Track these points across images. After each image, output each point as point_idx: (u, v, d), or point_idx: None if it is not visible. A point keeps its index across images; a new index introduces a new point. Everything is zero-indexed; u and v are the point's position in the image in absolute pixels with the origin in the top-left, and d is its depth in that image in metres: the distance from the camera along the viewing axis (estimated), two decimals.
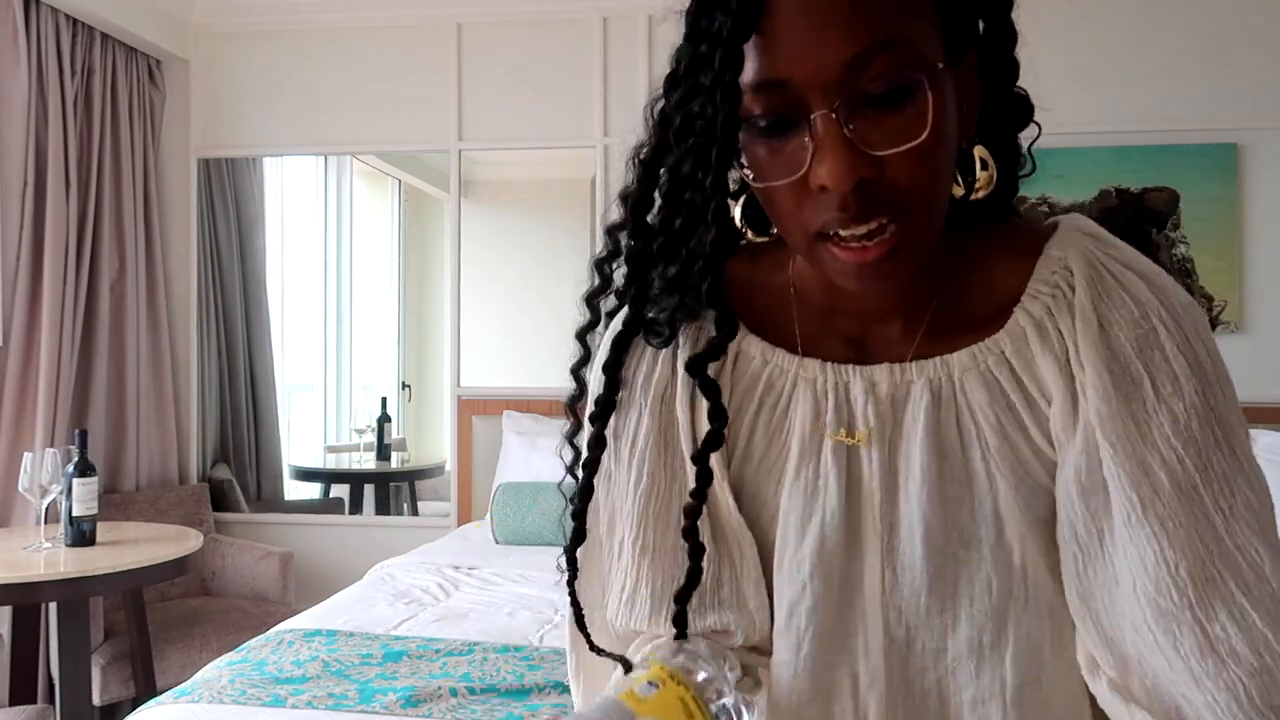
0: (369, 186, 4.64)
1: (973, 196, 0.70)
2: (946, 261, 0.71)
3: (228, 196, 4.07)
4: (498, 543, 3.36)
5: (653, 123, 0.72)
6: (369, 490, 4.27)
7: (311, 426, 4.58)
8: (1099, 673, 0.67)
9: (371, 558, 3.37)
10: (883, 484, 0.70)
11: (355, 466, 4.42)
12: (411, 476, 4.32)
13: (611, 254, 0.76)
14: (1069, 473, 0.66)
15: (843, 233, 0.62)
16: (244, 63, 3.94)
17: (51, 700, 3.11)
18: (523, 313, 4.03)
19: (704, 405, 0.73)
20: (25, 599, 2.67)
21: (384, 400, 4.31)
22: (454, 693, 1.96)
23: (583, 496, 0.75)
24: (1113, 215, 3.49)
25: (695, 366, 0.70)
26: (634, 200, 0.73)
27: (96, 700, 2.89)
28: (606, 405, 0.74)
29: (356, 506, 4.22)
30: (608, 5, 3.74)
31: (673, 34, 0.69)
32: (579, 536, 0.76)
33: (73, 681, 2.57)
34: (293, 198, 4.42)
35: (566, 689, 2.02)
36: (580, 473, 0.75)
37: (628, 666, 0.73)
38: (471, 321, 3.92)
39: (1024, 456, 0.68)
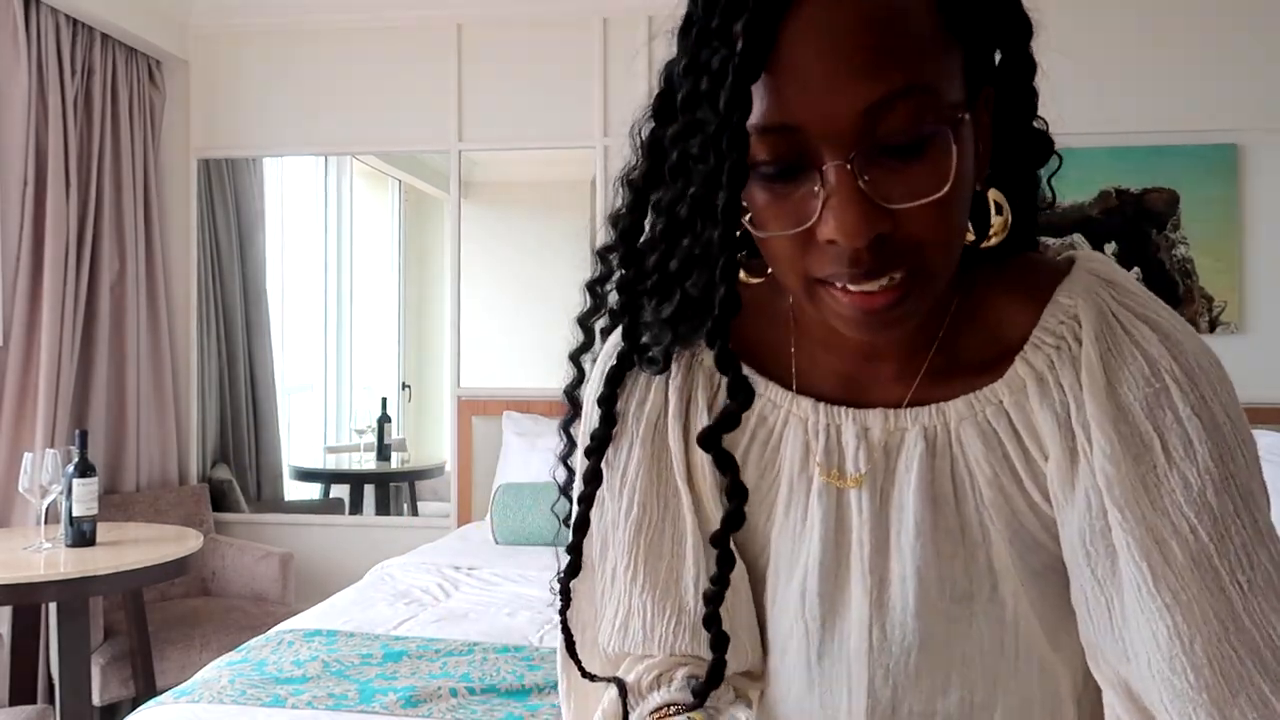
0: (369, 187, 4.64)
1: (985, 244, 0.66)
2: (951, 301, 0.67)
3: (228, 197, 4.07)
4: (498, 543, 3.36)
5: (642, 147, 0.69)
6: (369, 490, 4.27)
7: (311, 426, 4.58)
8: None
9: (371, 558, 3.37)
10: (873, 534, 0.67)
11: (355, 467, 4.42)
12: (411, 477, 4.32)
13: (603, 276, 0.74)
14: (1073, 537, 0.63)
15: (851, 286, 0.58)
16: (244, 63, 3.94)
17: (51, 700, 3.11)
18: (523, 313, 4.03)
19: (699, 431, 0.71)
20: (25, 599, 2.67)
21: (384, 400, 4.31)
22: (454, 693, 1.96)
23: (578, 531, 0.73)
24: (1113, 215, 3.49)
25: (710, 441, 0.64)
26: (624, 227, 0.70)
27: (96, 700, 2.89)
28: (602, 440, 0.72)
29: (356, 507, 4.22)
30: (608, 5, 3.74)
31: (665, 48, 0.65)
32: (574, 569, 0.73)
33: (73, 681, 2.57)
34: (293, 198, 4.42)
35: None
36: (576, 505, 0.73)
37: (622, 687, 0.72)
38: (471, 321, 3.92)
39: (1019, 509, 0.66)
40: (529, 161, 3.99)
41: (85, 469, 2.72)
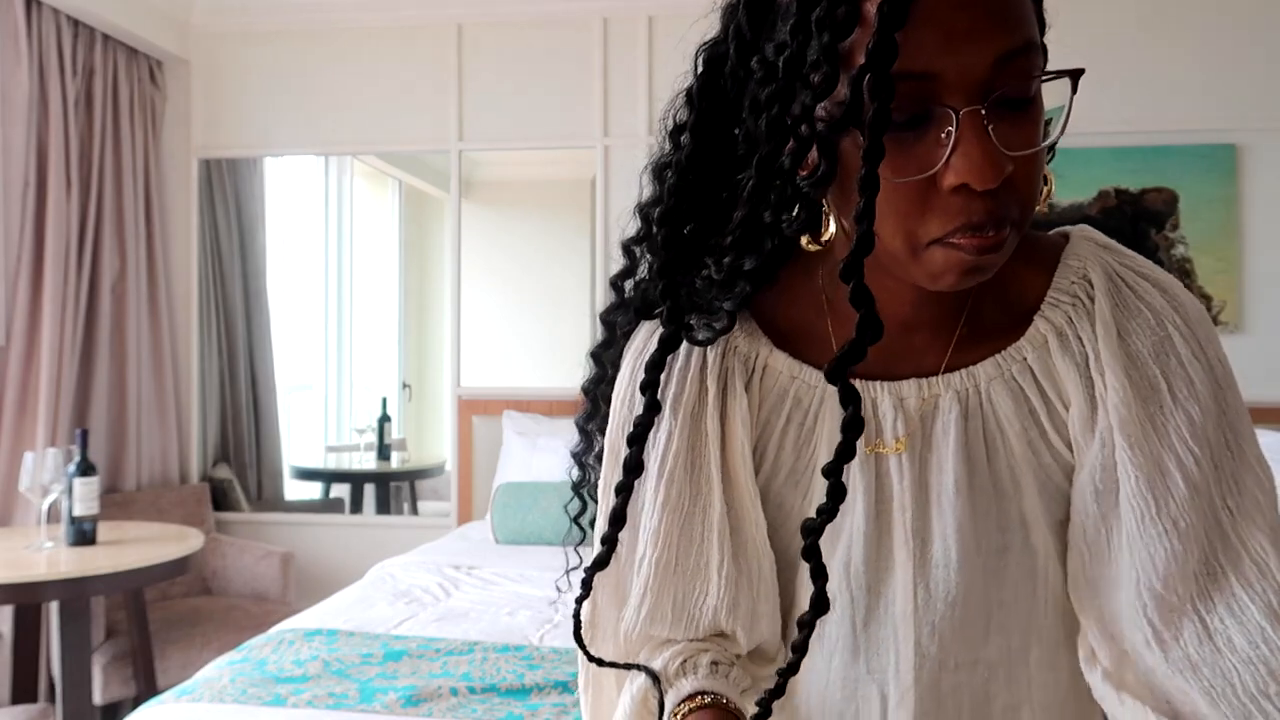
0: (369, 186, 4.64)
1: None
2: None
3: (228, 196, 4.08)
4: (498, 542, 3.36)
5: (681, 131, 0.71)
6: (369, 490, 4.27)
7: (311, 426, 4.58)
8: (1095, 664, 0.69)
9: (371, 557, 3.38)
10: (914, 498, 0.71)
11: (355, 466, 4.42)
12: (412, 476, 4.32)
13: (629, 270, 0.76)
14: (1084, 475, 0.68)
15: (965, 240, 0.60)
16: (244, 63, 3.95)
17: (52, 699, 3.11)
18: (523, 313, 4.03)
19: (737, 415, 0.72)
20: (27, 598, 2.67)
21: (384, 400, 4.31)
22: (454, 692, 1.97)
23: (614, 523, 0.73)
24: (1112, 215, 3.49)
25: (837, 373, 0.62)
26: (665, 210, 0.71)
27: (97, 699, 2.90)
28: (645, 428, 0.72)
29: (357, 506, 4.22)
30: (608, 5, 3.75)
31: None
32: (603, 562, 0.74)
33: (74, 681, 2.58)
34: (293, 198, 4.42)
35: (567, 688, 2.03)
36: (614, 494, 0.73)
37: (653, 675, 0.73)
38: (471, 321, 3.92)
39: (1045, 462, 0.70)
40: (529, 161, 4.00)
41: (86, 468, 2.73)
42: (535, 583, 2.86)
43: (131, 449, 3.60)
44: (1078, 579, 0.69)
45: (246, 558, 3.55)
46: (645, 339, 0.75)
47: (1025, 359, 0.70)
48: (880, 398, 0.72)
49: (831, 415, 0.72)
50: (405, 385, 4.46)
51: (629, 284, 0.78)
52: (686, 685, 0.72)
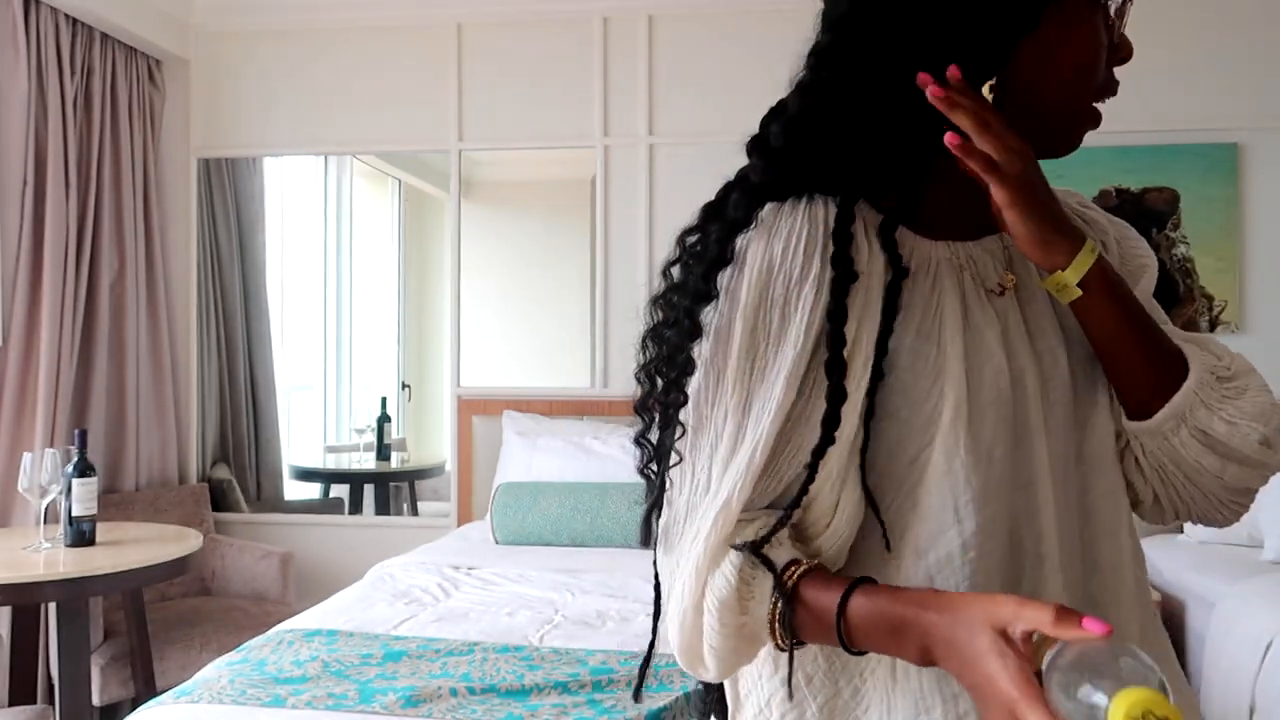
0: (369, 186, 4.63)
1: None
2: None
3: (228, 196, 4.07)
4: (498, 543, 3.35)
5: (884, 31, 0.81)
6: (369, 490, 4.26)
7: (311, 426, 4.58)
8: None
9: (371, 558, 3.37)
10: (1026, 324, 0.85)
11: (355, 466, 4.42)
12: (411, 476, 4.31)
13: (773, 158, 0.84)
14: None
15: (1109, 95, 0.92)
16: (244, 63, 3.95)
17: (51, 700, 3.11)
18: (523, 313, 4.03)
19: (875, 272, 0.81)
20: (25, 599, 2.67)
21: (384, 400, 4.31)
22: (454, 693, 1.96)
23: (828, 426, 0.78)
24: (1113, 214, 3.48)
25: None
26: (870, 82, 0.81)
27: (96, 700, 2.89)
28: (843, 296, 0.78)
29: (356, 506, 4.21)
30: (608, 5, 3.74)
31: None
32: (827, 443, 0.78)
33: (72, 682, 2.57)
34: (293, 198, 4.41)
35: (567, 689, 2.02)
36: (829, 374, 0.78)
37: (753, 549, 0.76)
38: (471, 321, 3.92)
39: None
40: (529, 161, 3.99)
41: (85, 468, 2.72)
42: (535, 583, 2.86)
43: (130, 449, 3.60)
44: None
45: (246, 558, 3.54)
46: (774, 216, 0.81)
47: None
48: (977, 253, 0.86)
49: (948, 275, 0.84)
50: (405, 385, 4.46)
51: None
52: (782, 555, 0.78)
